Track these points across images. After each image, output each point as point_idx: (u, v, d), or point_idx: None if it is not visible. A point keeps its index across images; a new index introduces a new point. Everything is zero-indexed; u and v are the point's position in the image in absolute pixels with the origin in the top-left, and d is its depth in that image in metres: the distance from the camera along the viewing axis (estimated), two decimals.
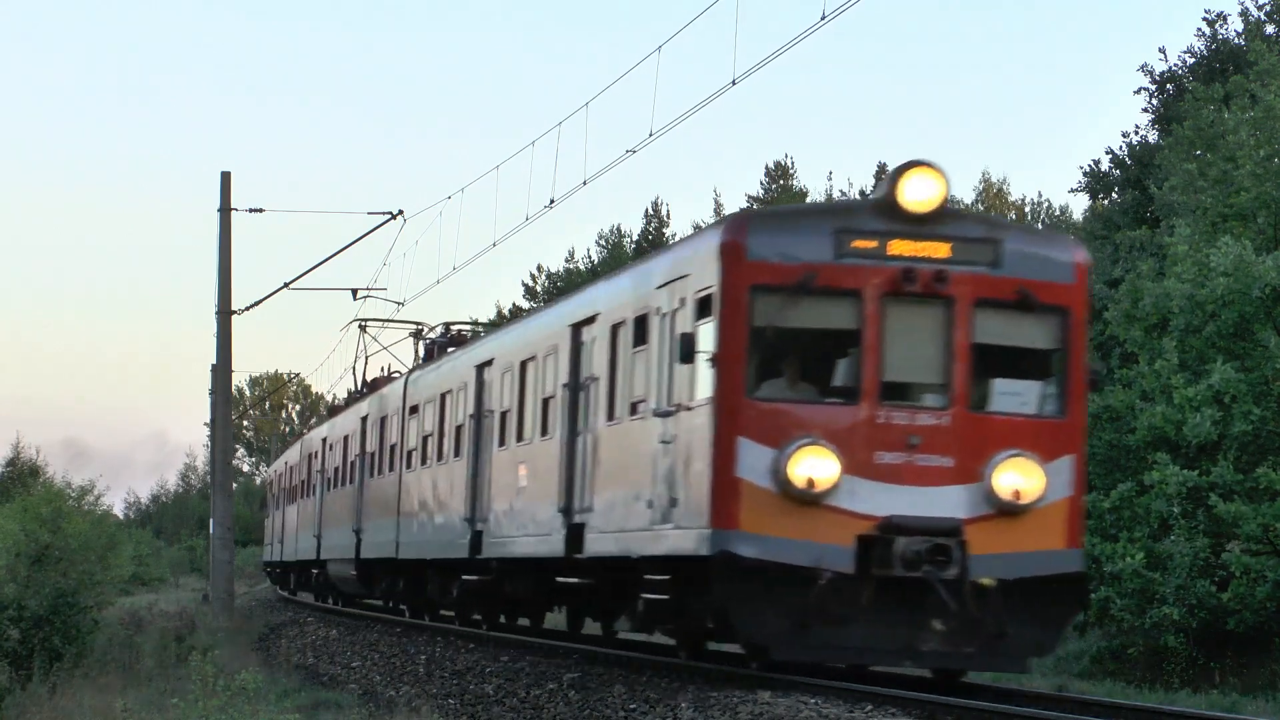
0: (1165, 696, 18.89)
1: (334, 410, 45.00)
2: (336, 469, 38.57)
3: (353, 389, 43.10)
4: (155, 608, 32.36)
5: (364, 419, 34.89)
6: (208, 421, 64.27)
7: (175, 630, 26.50)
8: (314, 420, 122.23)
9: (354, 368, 43.33)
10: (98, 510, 51.40)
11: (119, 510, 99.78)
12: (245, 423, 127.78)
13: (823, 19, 18.12)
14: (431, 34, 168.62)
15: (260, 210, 39.21)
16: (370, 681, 21.22)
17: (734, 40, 21.15)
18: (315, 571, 43.79)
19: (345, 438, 37.55)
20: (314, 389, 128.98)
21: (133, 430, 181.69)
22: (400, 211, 37.91)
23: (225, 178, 38.95)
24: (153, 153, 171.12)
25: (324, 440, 42.20)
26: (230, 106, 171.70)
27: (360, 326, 42.43)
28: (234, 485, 56.36)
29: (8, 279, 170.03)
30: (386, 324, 42.77)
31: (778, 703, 15.32)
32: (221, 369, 39.40)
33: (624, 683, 18.20)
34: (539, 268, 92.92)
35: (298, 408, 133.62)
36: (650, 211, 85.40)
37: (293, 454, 52.62)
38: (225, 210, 38.65)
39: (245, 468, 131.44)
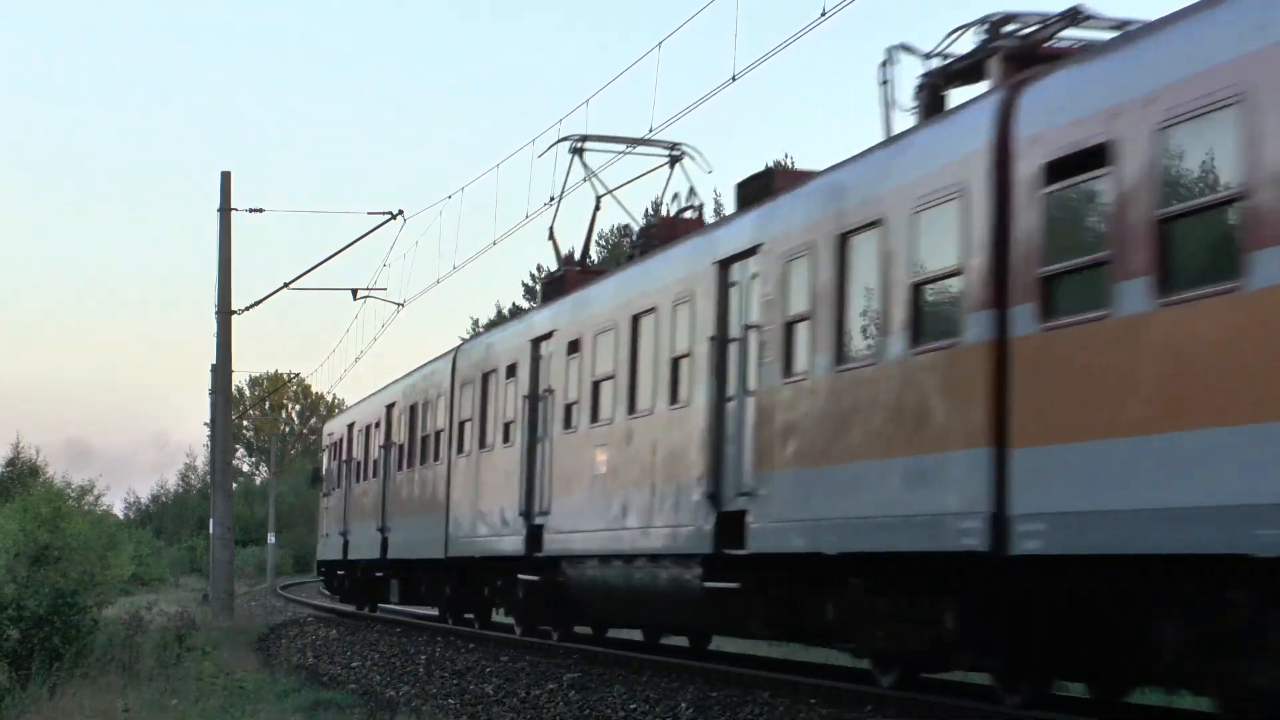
0: (1165, 697, 18.86)
1: (554, 287, 25.86)
2: (601, 383, 21.95)
3: (567, 256, 27.98)
4: (155, 608, 32.27)
5: (721, 267, 18.32)
6: (208, 421, 64.41)
7: (175, 630, 26.44)
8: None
9: (551, 229, 28.16)
10: (97, 510, 51.67)
11: (119, 510, 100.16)
12: (245, 423, 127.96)
13: (823, 15, 18.08)
14: (431, 34, 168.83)
15: (260, 210, 39.26)
16: (370, 681, 21.21)
17: (734, 36, 21.13)
18: (530, 579, 24.51)
19: (637, 320, 20.81)
20: (314, 389, 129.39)
21: (134, 430, 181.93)
22: (400, 211, 37.93)
23: (225, 178, 39.00)
24: (153, 153, 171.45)
25: (541, 343, 24.84)
26: (230, 106, 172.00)
27: (574, 150, 26.59)
28: (234, 485, 56.09)
29: (8, 279, 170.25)
30: (624, 150, 26.75)
31: (778, 703, 15.32)
32: (221, 369, 39.38)
33: (624, 683, 18.21)
34: (539, 267, 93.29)
35: (298, 408, 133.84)
36: (650, 211, 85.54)
37: (405, 390, 34.35)
38: (225, 210, 38.68)
39: (245, 468, 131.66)
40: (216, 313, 38.60)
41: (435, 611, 34.25)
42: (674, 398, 19.47)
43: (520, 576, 24.78)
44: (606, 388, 21.73)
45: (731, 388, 17.93)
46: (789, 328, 16.45)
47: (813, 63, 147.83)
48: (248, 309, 39.48)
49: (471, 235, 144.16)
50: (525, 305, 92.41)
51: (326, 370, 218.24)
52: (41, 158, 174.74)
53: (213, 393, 43.36)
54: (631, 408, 20.67)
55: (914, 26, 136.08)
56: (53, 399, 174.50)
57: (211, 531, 39.27)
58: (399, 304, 40.02)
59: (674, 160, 26.79)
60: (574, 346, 23.08)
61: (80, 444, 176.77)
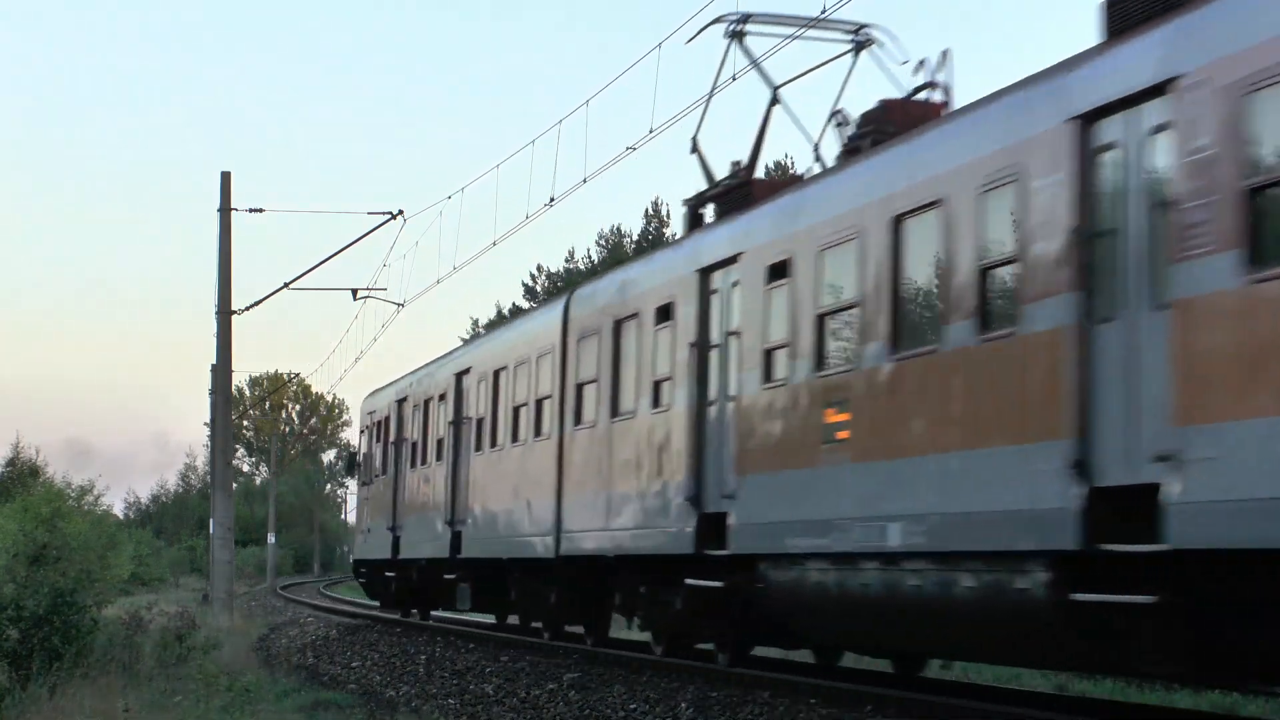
0: (1165, 696, 18.88)
1: (730, 201, 20.06)
2: (830, 316, 16.14)
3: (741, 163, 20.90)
4: (155, 608, 32.27)
5: (1082, 126, 12.43)
6: (208, 421, 64.40)
7: (175, 630, 26.45)
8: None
9: (696, 139, 21.91)
10: (97, 510, 51.65)
11: (119, 510, 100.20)
12: (245, 423, 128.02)
13: (823, 14, 18.11)
14: (432, 34, 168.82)
15: (260, 210, 39.27)
16: (370, 681, 21.21)
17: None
18: (706, 586, 18.39)
19: (899, 222, 14.91)
20: (314, 389, 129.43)
21: (136, 430, 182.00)
22: (400, 211, 37.92)
23: (225, 178, 39.01)
24: (153, 153, 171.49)
25: (714, 272, 18.87)
26: (230, 106, 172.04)
27: (732, 34, 20.93)
28: (234, 485, 55.92)
29: (10, 279, 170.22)
30: (794, 34, 20.49)
31: (778, 703, 15.31)
32: (221, 369, 39.39)
33: (624, 683, 18.19)
34: (539, 268, 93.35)
35: (298, 408, 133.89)
36: (650, 211, 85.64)
37: (485, 354, 28.52)
38: (225, 210, 38.69)
39: (245, 468, 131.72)
40: (216, 313, 38.62)
41: (493, 619, 29.59)
42: (984, 323, 13.41)
43: (689, 582, 18.80)
44: (841, 322, 15.82)
45: (1111, 302, 11.99)
46: (1254, 195, 10.59)
47: (812, 62, 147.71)
48: (248, 309, 39.56)
49: (471, 235, 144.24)
50: (525, 305, 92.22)
51: (326, 370, 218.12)
52: (41, 158, 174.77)
53: (213, 393, 43.33)
54: (894, 345, 14.78)
55: (913, 26, 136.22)
56: (53, 399, 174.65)
57: (211, 531, 39.26)
58: (399, 304, 40.00)
59: (859, 46, 21.12)
60: (778, 271, 17.07)
61: (80, 444, 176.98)
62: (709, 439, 18.54)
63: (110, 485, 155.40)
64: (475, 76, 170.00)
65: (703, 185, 21.49)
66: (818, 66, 21.27)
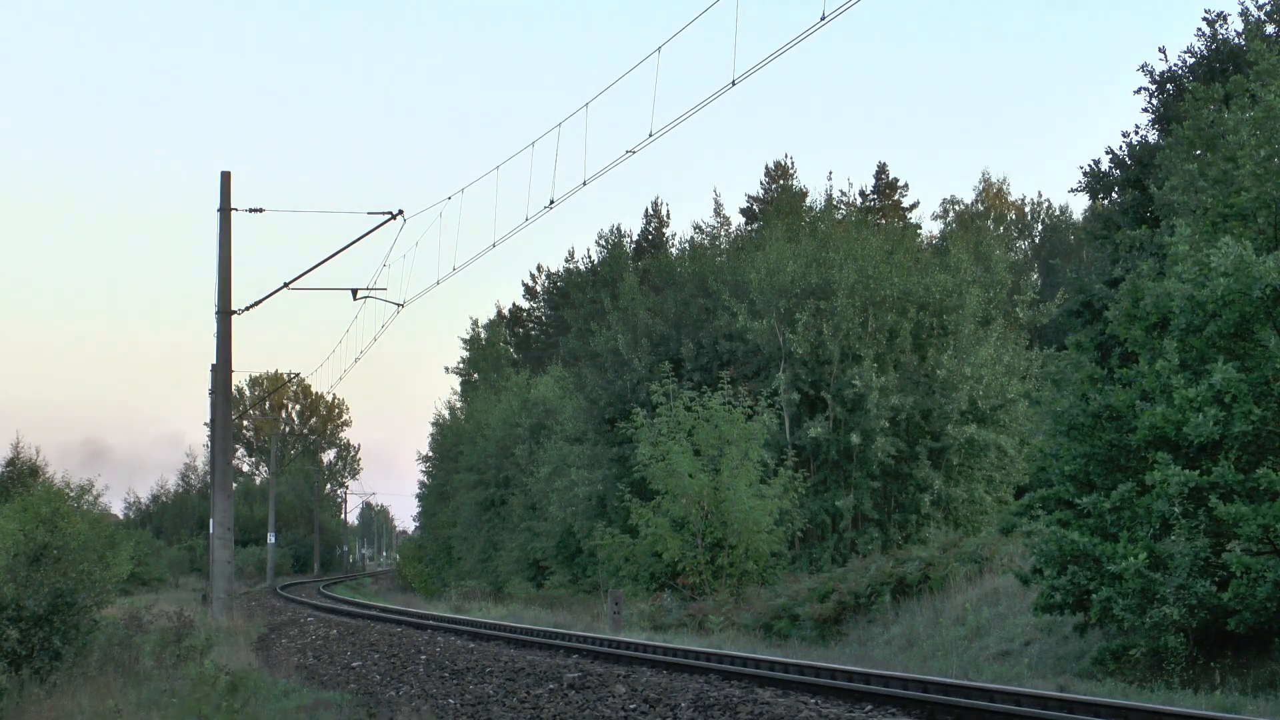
0: (1166, 696, 18.87)
1: None
2: None
3: None
4: (155, 608, 32.24)
5: None
6: (208, 421, 64.33)
7: (175, 630, 26.43)
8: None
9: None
10: (95, 510, 51.63)
11: (119, 510, 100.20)
12: (245, 423, 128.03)
13: (822, 19, 18.12)
14: (431, 34, 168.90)
15: (260, 210, 39.25)
16: (370, 681, 21.20)
17: (734, 41, 21.12)
18: None
19: None
20: (314, 389, 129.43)
21: (149, 431, 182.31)
22: (400, 211, 37.93)
23: (225, 178, 39.02)
24: (153, 153, 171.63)
25: None
26: (230, 106, 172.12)
27: None
28: (234, 485, 55.80)
29: (14, 280, 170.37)
30: None
31: (778, 703, 15.32)
32: (221, 369, 39.38)
33: (624, 683, 18.20)
34: (539, 268, 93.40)
35: (298, 408, 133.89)
36: (650, 211, 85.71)
37: None
38: (225, 210, 38.69)
39: (245, 468, 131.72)
40: (216, 313, 38.63)
41: None
42: None
43: None
44: None
45: None
46: None
47: (813, 67, 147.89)
48: (248, 309, 39.54)
49: (471, 235, 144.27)
50: (525, 306, 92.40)
51: (326, 370, 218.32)
52: (43, 158, 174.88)
53: (213, 393, 43.29)
54: None
55: (912, 30, 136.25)
56: (69, 400, 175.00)
57: (211, 531, 39.25)
58: (399, 304, 39.97)
59: None
60: None
61: (96, 444, 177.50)
62: None
63: (109, 485, 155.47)
64: (476, 77, 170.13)
65: None
66: None
